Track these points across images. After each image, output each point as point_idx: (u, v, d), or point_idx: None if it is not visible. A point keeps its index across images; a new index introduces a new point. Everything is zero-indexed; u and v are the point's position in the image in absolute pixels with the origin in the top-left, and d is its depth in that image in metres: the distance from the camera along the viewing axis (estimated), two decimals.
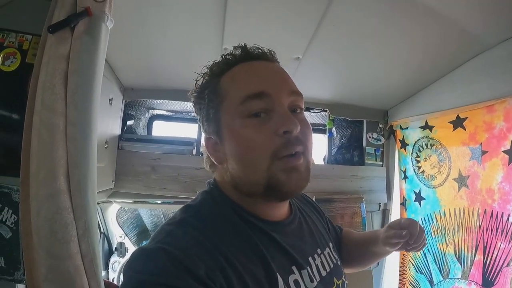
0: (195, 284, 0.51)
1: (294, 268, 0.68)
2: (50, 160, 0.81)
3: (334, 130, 2.43)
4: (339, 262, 0.84)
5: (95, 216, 0.91)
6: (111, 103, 1.72)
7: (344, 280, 0.82)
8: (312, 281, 0.69)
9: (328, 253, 0.82)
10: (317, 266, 0.74)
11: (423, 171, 1.92)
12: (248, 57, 0.71)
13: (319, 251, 0.79)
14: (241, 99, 0.64)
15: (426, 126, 1.89)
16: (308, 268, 0.71)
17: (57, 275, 0.79)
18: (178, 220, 0.65)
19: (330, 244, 0.86)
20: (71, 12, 0.90)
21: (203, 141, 0.76)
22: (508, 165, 1.39)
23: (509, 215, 1.39)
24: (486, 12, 1.23)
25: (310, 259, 0.74)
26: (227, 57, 0.72)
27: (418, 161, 1.97)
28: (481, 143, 1.53)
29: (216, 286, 0.53)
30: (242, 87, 0.66)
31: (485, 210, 1.51)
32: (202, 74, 0.75)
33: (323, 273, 0.75)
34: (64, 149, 0.83)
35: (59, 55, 0.88)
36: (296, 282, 0.66)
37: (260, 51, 0.72)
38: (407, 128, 2.08)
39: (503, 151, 1.41)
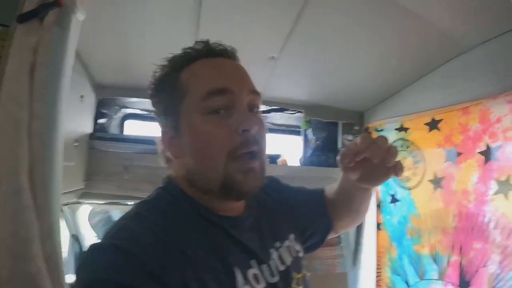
0: (148, 281, 0.50)
1: (253, 262, 0.68)
2: (13, 156, 0.77)
3: (309, 132, 2.42)
4: (300, 254, 0.84)
5: (59, 216, 0.87)
6: (82, 100, 1.66)
7: (306, 272, 0.83)
8: (272, 275, 0.70)
9: (288, 246, 0.82)
10: (274, 260, 0.75)
11: None
12: (210, 53, 0.73)
13: (277, 244, 0.79)
14: (203, 95, 0.65)
15: (402, 128, 1.91)
16: (268, 262, 0.72)
17: (19, 277, 0.74)
18: (133, 215, 0.65)
19: (291, 236, 0.86)
20: (41, 2, 0.86)
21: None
22: (484, 166, 1.41)
23: (484, 216, 1.40)
24: (465, 14, 1.25)
25: (269, 252, 0.75)
26: (188, 50, 0.73)
27: None
28: (456, 145, 1.56)
29: (171, 281, 0.52)
30: (204, 83, 0.67)
31: (461, 211, 1.53)
32: (161, 66, 0.75)
33: (281, 268, 0.75)
34: (28, 144, 0.79)
35: (26, 47, 0.83)
36: (255, 276, 0.66)
37: (222, 47, 0.74)
38: (382, 130, 2.09)
39: (479, 152, 1.44)
